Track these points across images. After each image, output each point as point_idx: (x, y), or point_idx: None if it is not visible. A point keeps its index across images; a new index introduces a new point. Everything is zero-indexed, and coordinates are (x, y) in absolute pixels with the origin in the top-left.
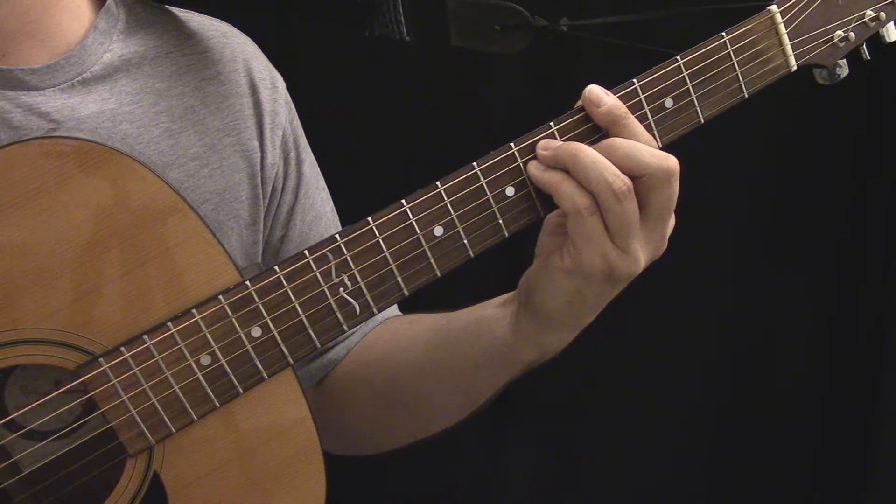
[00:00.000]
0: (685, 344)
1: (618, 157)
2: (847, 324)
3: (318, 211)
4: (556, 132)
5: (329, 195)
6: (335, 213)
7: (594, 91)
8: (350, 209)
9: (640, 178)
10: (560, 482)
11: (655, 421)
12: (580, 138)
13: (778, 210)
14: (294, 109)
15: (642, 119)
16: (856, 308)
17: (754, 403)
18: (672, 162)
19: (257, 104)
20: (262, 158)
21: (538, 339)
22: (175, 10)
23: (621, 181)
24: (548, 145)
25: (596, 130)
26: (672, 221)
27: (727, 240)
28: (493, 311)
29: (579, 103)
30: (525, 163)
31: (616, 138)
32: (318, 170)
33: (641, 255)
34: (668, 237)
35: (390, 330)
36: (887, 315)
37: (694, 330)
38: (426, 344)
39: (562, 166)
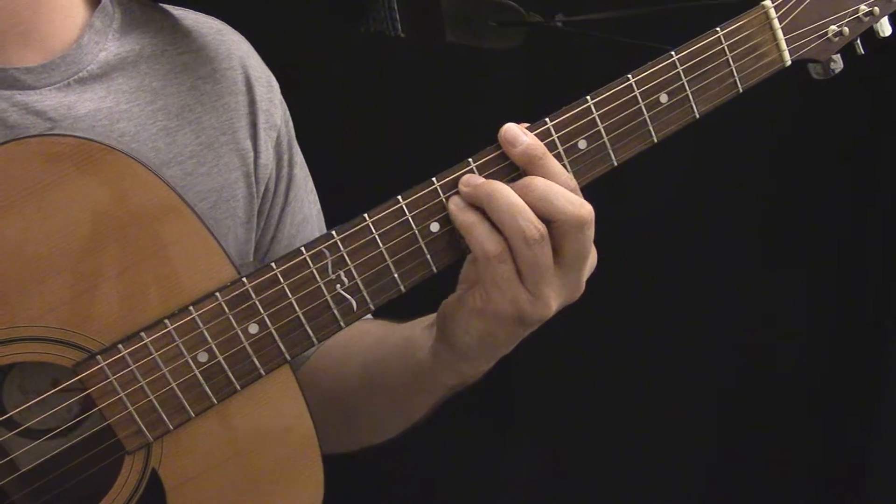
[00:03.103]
0: (685, 343)
1: (533, 197)
2: (848, 323)
3: (306, 213)
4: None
5: (316, 197)
6: (321, 215)
7: (510, 130)
8: (346, 206)
9: (553, 223)
10: (559, 483)
11: (655, 420)
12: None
13: (779, 209)
14: (287, 111)
15: (638, 114)
16: (856, 307)
17: (755, 403)
18: (585, 211)
19: (252, 102)
20: (256, 158)
21: (454, 366)
22: (169, 7)
23: (534, 228)
24: (469, 181)
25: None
26: (591, 263)
27: (727, 239)
28: (420, 333)
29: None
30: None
31: (535, 178)
32: (308, 171)
33: (553, 300)
34: (584, 281)
35: (345, 337)
36: (889, 314)
37: (694, 330)
38: (366, 359)
39: (479, 205)
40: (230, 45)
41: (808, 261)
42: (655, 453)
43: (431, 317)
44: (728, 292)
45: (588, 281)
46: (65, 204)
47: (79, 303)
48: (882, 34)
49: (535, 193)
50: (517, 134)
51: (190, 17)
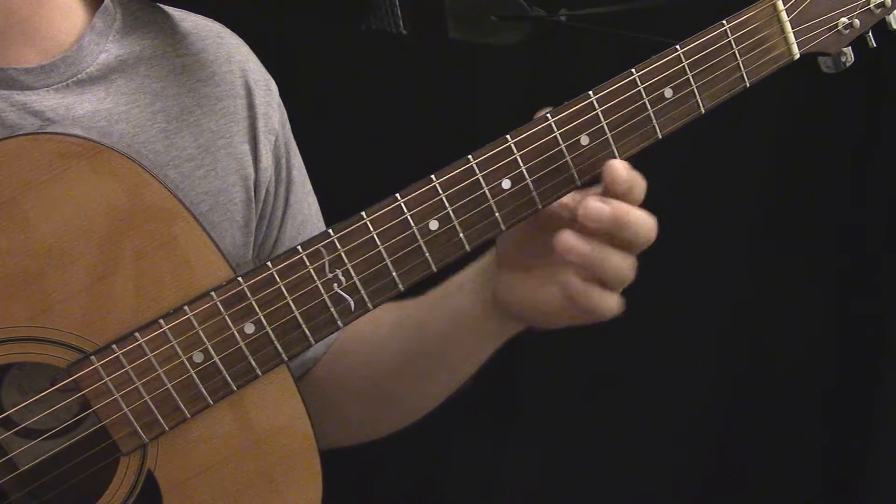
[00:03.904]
0: (686, 343)
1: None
2: (849, 323)
3: (306, 215)
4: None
5: (315, 198)
6: (320, 215)
7: (617, 170)
8: (347, 205)
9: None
10: (560, 483)
11: (656, 421)
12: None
13: (780, 206)
14: (285, 113)
15: (642, 110)
16: (857, 307)
17: (756, 404)
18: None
19: (251, 106)
20: (256, 161)
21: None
22: (169, 9)
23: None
24: (596, 216)
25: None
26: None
27: (728, 238)
28: (468, 306)
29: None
30: (522, 156)
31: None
32: (305, 172)
33: None
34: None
35: (363, 327)
36: (890, 313)
37: (695, 329)
38: (399, 340)
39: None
40: (230, 48)
41: (810, 259)
42: (656, 454)
43: (466, 287)
44: (728, 291)
45: None
46: (59, 203)
47: (78, 304)
48: (895, 26)
49: (641, 228)
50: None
51: (189, 20)
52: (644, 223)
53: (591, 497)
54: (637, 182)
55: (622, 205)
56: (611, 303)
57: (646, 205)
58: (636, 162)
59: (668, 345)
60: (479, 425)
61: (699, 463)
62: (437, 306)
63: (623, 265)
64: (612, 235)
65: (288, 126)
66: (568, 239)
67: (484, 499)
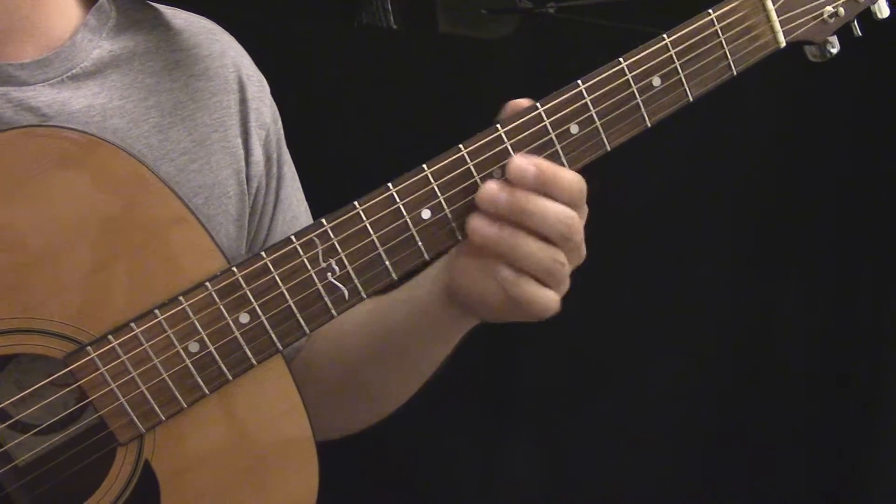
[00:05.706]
0: (684, 342)
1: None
2: (846, 322)
3: (295, 211)
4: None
5: (303, 196)
6: (309, 212)
7: (517, 168)
8: (338, 196)
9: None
10: (559, 482)
11: (656, 419)
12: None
13: (777, 209)
14: (277, 111)
15: (630, 98)
16: (854, 308)
17: (754, 403)
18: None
19: (244, 101)
20: (248, 156)
21: (470, 319)
22: (161, 6)
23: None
24: (493, 199)
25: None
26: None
27: (726, 237)
28: (424, 295)
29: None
30: (513, 145)
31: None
32: (295, 170)
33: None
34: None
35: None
36: (888, 314)
37: (692, 328)
38: (364, 333)
39: (511, 218)
40: (223, 44)
41: (809, 258)
42: (655, 453)
43: (434, 272)
44: (727, 290)
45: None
46: (55, 195)
47: (74, 295)
48: (880, 15)
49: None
50: (524, 168)
51: (181, 16)
52: (550, 213)
53: (589, 496)
54: (549, 179)
55: (522, 193)
56: (545, 299)
57: (645, 204)
58: (630, 156)
59: (667, 343)
60: (476, 424)
61: (698, 464)
62: (399, 299)
63: (540, 254)
64: (519, 222)
65: (279, 124)
66: (474, 221)
67: (483, 497)
